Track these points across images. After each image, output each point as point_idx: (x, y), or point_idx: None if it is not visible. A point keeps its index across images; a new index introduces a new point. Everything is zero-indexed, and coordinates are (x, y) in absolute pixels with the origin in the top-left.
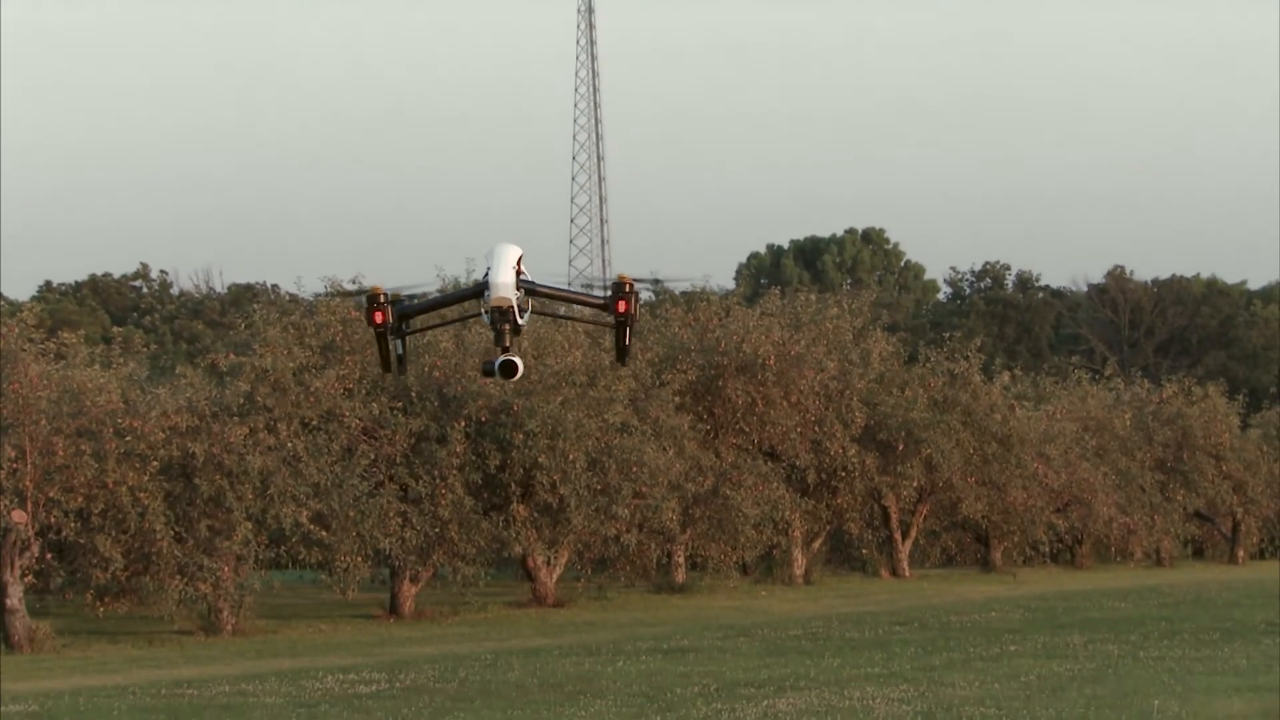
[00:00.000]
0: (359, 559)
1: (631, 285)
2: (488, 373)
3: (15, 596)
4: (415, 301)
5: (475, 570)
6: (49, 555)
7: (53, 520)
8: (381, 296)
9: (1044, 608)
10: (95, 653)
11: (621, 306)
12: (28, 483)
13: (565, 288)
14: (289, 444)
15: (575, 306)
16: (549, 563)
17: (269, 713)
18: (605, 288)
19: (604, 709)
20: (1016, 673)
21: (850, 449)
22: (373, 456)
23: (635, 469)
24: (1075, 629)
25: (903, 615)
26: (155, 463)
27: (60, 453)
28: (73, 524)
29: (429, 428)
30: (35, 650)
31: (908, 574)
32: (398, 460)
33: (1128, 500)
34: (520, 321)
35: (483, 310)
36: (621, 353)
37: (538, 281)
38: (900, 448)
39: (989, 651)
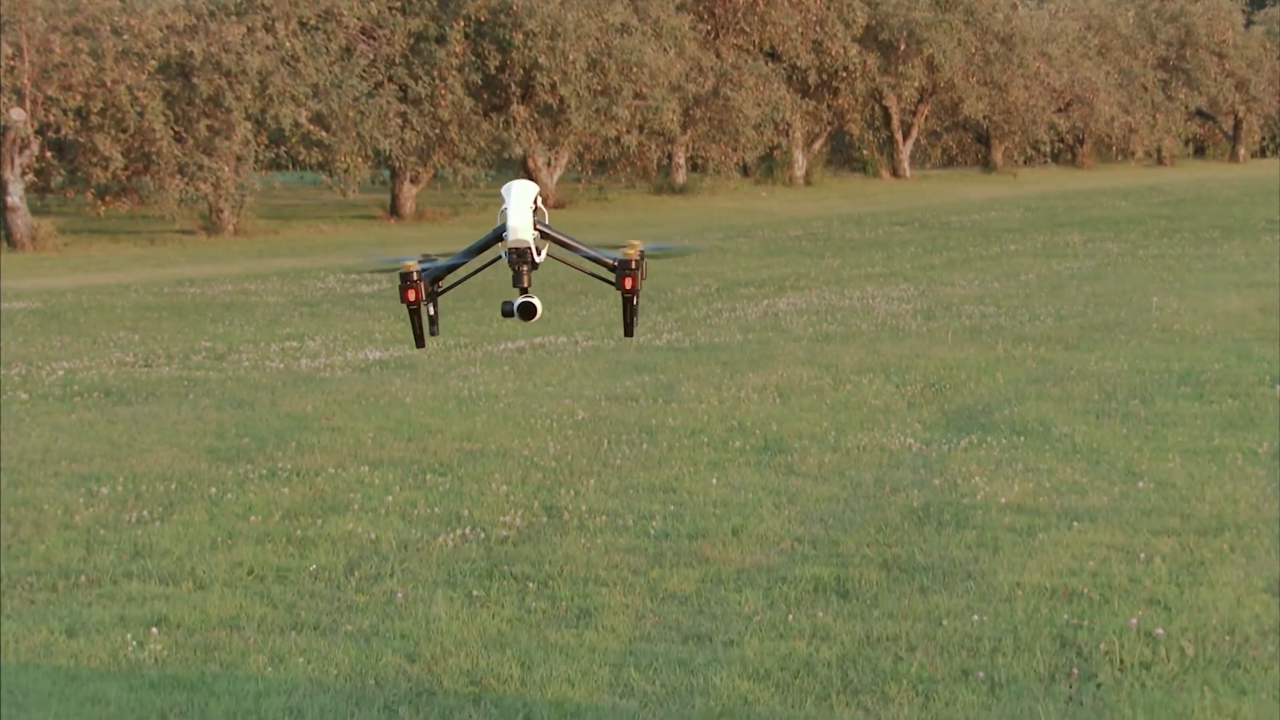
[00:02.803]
0: (359, 160)
1: (639, 261)
2: (506, 314)
3: (16, 194)
4: (440, 263)
5: (475, 171)
6: (48, 154)
7: (52, 119)
8: (415, 274)
9: (1044, 207)
10: (97, 251)
11: (628, 283)
12: (25, 81)
13: (580, 244)
14: (287, 43)
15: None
16: (549, 164)
17: (271, 311)
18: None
19: (605, 309)
20: (1016, 271)
21: (851, 49)
22: (371, 57)
23: (635, 70)
24: (1075, 228)
25: (903, 215)
26: (153, 62)
27: (57, 50)
28: (72, 122)
29: (428, 27)
30: (37, 248)
31: (908, 175)
32: (396, 61)
33: (1129, 99)
34: (538, 260)
35: (502, 251)
36: (628, 326)
37: (554, 230)
38: (902, 48)
39: (989, 250)
